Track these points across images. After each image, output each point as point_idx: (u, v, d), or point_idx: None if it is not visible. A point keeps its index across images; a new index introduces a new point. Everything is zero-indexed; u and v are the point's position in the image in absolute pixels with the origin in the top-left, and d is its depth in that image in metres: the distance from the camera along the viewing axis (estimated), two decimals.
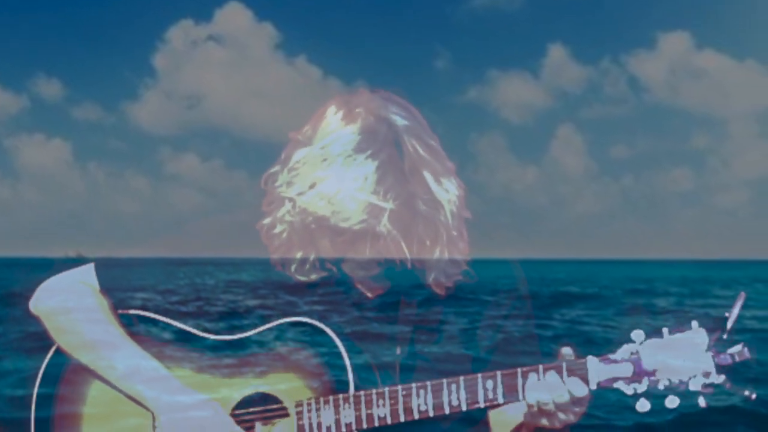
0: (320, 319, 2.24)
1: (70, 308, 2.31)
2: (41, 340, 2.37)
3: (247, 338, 2.26)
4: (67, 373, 2.29)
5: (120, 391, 2.23)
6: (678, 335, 2.09)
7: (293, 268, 2.31)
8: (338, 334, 2.19)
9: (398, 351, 2.28)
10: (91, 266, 2.37)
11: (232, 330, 2.29)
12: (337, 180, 2.14)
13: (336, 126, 2.20)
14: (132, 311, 2.31)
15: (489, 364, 2.25)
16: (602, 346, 2.35)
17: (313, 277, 2.31)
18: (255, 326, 2.29)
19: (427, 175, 2.20)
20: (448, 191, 2.23)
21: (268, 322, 2.28)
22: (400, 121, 2.21)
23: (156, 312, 2.31)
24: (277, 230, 2.30)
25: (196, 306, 2.35)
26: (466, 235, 2.29)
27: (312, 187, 2.18)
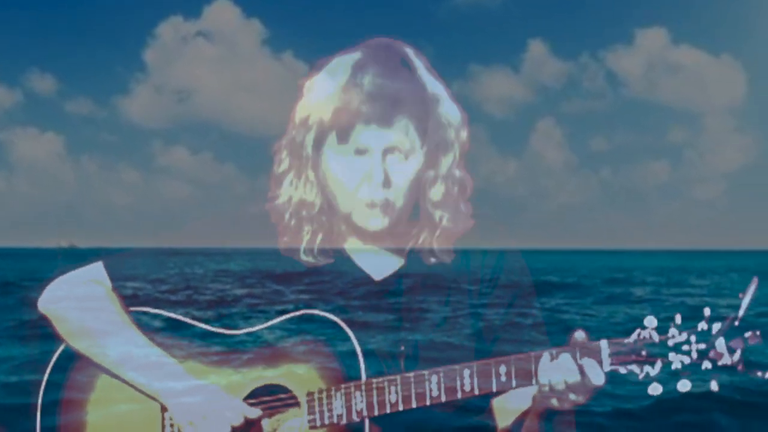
0: (307, 308, 2.24)
1: (60, 297, 2.31)
2: (35, 328, 2.36)
3: (262, 330, 2.25)
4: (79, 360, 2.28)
5: (117, 377, 2.23)
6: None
7: (302, 252, 2.35)
8: (325, 323, 2.19)
9: (401, 348, 2.28)
10: (99, 265, 2.37)
11: (219, 318, 2.29)
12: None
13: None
14: (146, 309, 2.31)
15: (470, 351, 2.25)
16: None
17: (321, 262, 2.35)
18: (243, 315, 2.29)
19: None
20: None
21: (256, 310, 2.29)
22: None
23: (146, 301, 2.31)
24: (284, 210, 2.37)
25: (185, 295, 2.35)
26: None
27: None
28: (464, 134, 2.39)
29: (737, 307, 2.05)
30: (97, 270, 2.36)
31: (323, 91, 2.32)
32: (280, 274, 2.34)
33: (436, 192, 2.36)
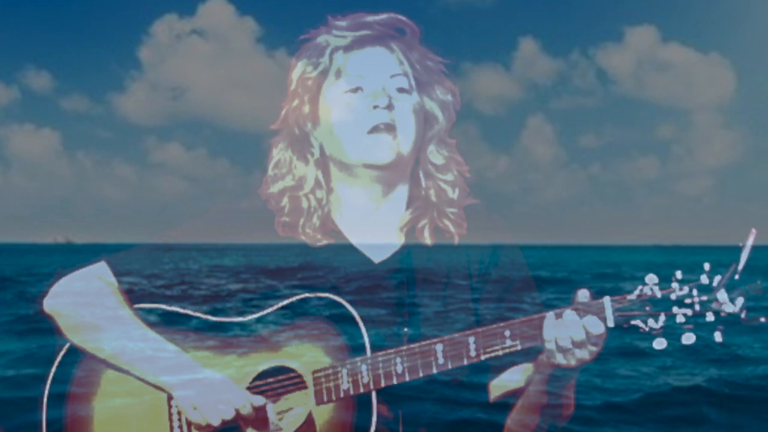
0: (299, 302, 2.24)
1: (59, 293, 2.31)
2: (31, 322, 2.37)
3: (264, 316, 2.26)
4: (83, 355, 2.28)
5: (119, 370, 2.24)
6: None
7: (300, 229, 2.36)
8: (317, 316, 2.19)
9: (405, 329, 2.28)
10: (103, 264, 2.37)
11: (215, 312, 2.29)
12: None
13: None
14: (152, 305, 2.30)
15: None
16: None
17: (323, 242, 2.36)
18: (237, 309, 2.29)
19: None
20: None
21: (250, 304, 2.29)
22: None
23: (141, 296, 2.31)
24: (284, 192, 2.39)
25: (180, 290, 2.35)
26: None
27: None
28: (453, 100, 2.44)
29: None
30: (100, 269, 2.36)
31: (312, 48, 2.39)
32: (273, 269, 2.35)
33: (437, 155, 2.41)
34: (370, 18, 2.35)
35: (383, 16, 2.35)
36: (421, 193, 2.41)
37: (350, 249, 2.37)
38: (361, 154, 2.31)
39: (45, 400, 2.26)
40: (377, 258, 2.37)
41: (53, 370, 2.27)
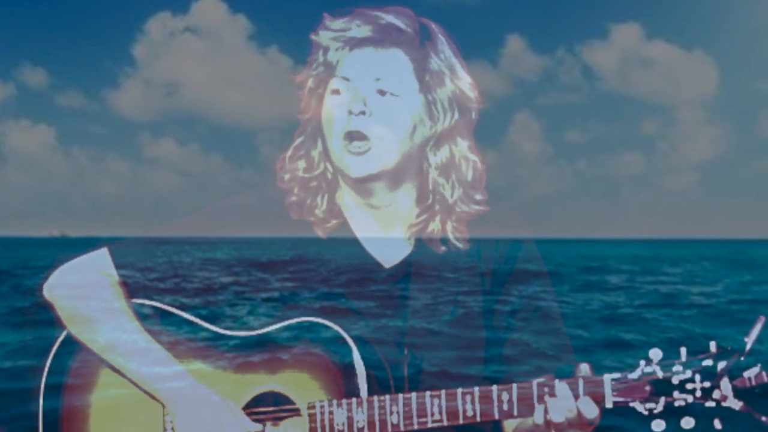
0: (291, 296, 2.24)
1: (56, 285, 2.30)
2: (27, 314, 2.36)
3: (263, 334, 2.22)
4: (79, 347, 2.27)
5: (111, 366, 2.23)
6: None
7: (307, 210, 2.34)
8: (308, 309, 2.19)
9: (405, 351, 2.24)
10: (105, 251, 2.34)
11: (207, 305, 2.29)
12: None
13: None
14: (146, 301, 2.29)
15: (450, 337, 2.25)
16: (556, 320, 2.35)
17: (333, 222, 2.34)
18: (229, 302, 2.29)
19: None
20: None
21: (242, 297, 2.29)
22: None
23: (135, 288, 2.30)
24: (295, 175, 2.36)
25: (173, 283, 2.34)
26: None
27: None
28: (474, 96, 2.36)
29: (710, 295, 2.03)
30: (101, 257, 2.34)
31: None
32: (265, 263, 2.34)
33: (439, 156, 2.33)
34: (366, 18, 2.28)
35: (383, 17, 2.28)
36: (427, 196, 2.33)
37: (356, 243, 2.34)
38: (339, 164, 2.29)
39: (42, 390, 2.25)
40: (388, 263, 2.33)
41: (49, 361, 2.26)
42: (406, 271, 2.31)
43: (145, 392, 2.21)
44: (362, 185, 2.31)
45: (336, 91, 2.28)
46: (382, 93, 2.26)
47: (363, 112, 2.24)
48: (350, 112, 2.24)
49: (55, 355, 2.25)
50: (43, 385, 2.24)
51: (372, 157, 2.26)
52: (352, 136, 2.24)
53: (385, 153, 2.27)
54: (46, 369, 2.25)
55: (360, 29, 2.28)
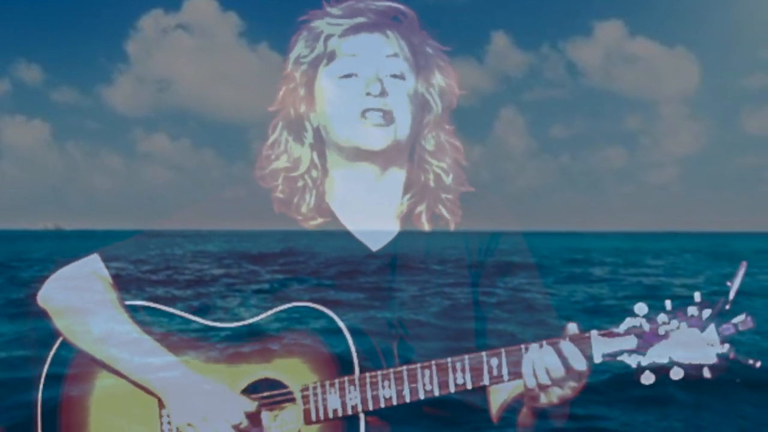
0: (281, 287, 2.24)
1: (46, 296, 2.30)
2: (23, 306, 2.36)
3: (254, 323, 2.22)
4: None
5: (94, 358, 2.22)
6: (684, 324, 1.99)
7: (294, 208, 2.33)
8: (298, 300, 2.18)
9: (393, 331, 2.24)
10: (96, 257, 2.34)
11: (198, 296, 2.28)
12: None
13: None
14: (137, 302, 2.29)
15: (437, 328, 2.25)
16: (542, 311, 2.35)
17: (318, 221, 2.33)
18: (220, 293, 2.28)
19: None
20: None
21: (233, 289, 2.28)
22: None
23: (128, 280, 2.30)
24: (278, 173, 2.35)
25: (165, 275, 2.34)
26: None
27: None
28: (455, 83, 2.40)
29: (692, 287, 2.02)
30: (92, 261, 2.33)
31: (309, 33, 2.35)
32: (255, 255, 2.34)
33: (434, 141, 2.37)
34: (364, 5, 2.30)
35: (379, 3, 2.31)
36: (418, 179, 2.36)
37: (345, 236, 2.34)
38: (355, 139, 2.28)
39: (42, 380, 2.25)
40: (374, 246, 2.33)
41: (52, 352, 2.25)
42: (394, 263, 2.31)
43: (138, 385, 2.21)
44: (365, 161, 2.32)
45: (348, 75, 2.28)
46: (393, 76, 2.29)
47: (383, 93, 2.25)
48: (368, 94, 2.25)
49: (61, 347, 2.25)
50: (44, 375, 2.25)
51: (392, 129, 2.28)
52: (373, 115, 2.26)
53: (401, 129, 2.29)
54: (49, 360, 2.25)
55: (358, 18, 2.29)
